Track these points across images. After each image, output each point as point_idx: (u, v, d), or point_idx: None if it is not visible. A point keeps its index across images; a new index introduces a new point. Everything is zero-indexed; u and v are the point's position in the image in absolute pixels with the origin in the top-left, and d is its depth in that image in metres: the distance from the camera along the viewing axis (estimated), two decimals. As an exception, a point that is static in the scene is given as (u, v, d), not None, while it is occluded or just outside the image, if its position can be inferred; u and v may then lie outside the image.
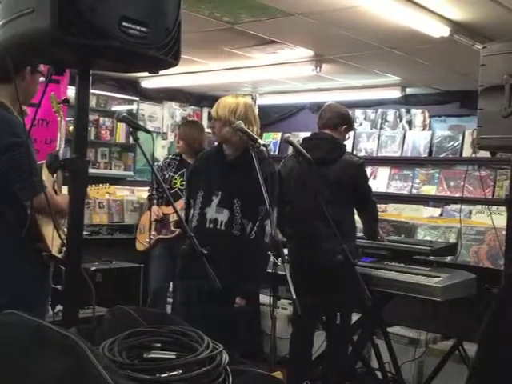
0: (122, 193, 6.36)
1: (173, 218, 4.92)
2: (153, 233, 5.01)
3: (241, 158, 3.20)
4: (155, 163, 5.37)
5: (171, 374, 1.17)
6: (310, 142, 3.85)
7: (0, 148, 2.45)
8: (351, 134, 4.38)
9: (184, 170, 4.90)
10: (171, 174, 4.96)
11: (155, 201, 5.03)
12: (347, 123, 3.91)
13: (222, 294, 2.90)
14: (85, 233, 5.83)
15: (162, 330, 1.32)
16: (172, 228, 4.96)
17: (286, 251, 4.01)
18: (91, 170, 7.66)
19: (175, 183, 4.94)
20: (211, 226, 3.16)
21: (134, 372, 1.14)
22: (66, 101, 3.30)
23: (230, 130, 3.15)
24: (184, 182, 4.83)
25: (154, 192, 5.06)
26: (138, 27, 1.68)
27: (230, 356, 1.27)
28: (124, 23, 1.66)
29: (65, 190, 1.88)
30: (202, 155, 3.52)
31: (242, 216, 3.15)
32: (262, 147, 3.04)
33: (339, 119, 3.87)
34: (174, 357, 1.22)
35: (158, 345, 1.28)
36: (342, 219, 3.61)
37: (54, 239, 2.46)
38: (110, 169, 7.35)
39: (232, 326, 3.15)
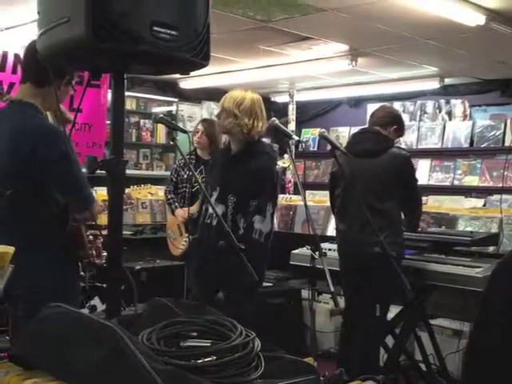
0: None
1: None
2: (186, 235, 4.95)
3: (243, 152, 3.20)
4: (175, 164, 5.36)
5: (206, 360, 1.23)
6: (359, 137, 3.92)
7: (50, 158, 2.32)
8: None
9: (202, 167, 4.86)
10: (190, 173, 4.85)
11: (176, 204, 4.98)
12: (397, 124, 3.92)
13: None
14: (129, 232, 6.01)
15: (197, 320, 1.39)
16: None
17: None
18: (134, 172, 7.77)
19: (196, 181, 4.68)
20: (208, 221, 3.18)
21: (170, 358, 1.21)
22: None
23: (232, 122, 3.16)
24: (204, 179, 4.86)
25: (172, 196, 5.02)
26: (168, 31, 1.74)
27: (263, 343, 1.32)
28: (155, 27, 1.72)
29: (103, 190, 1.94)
30: (215, 153, 3.62)
31: (236, 212, 3.08)
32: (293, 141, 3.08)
33: (389, 118, 3.91)
34: (208, 344, 1.28)
35: (194, 334, 1.34)
36: (391, 212, 3.63)
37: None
38: (152, 169, 7.49)
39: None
